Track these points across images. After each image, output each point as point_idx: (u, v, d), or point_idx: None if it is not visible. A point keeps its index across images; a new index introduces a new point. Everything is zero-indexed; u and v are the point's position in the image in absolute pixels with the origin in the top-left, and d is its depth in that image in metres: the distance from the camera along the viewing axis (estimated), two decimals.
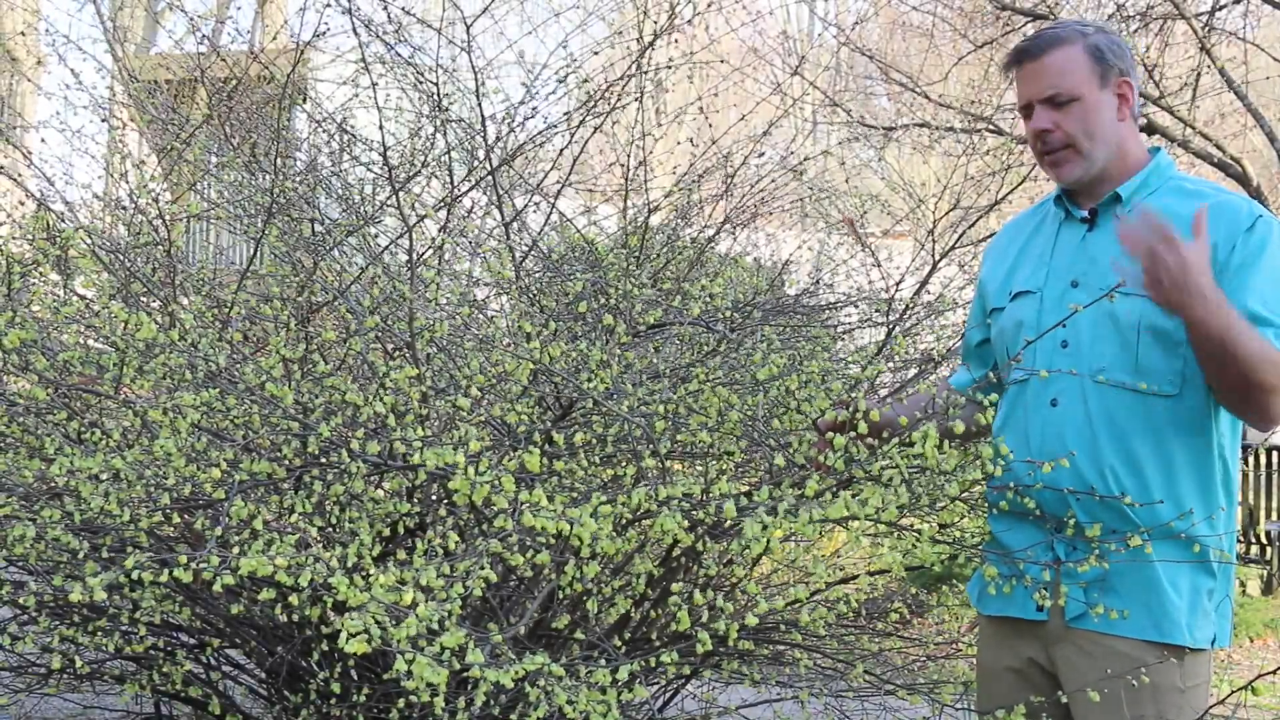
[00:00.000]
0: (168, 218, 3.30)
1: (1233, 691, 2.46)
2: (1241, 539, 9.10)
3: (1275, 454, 9.28)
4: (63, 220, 3.56)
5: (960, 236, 4.55)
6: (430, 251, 3.24)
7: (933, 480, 2.23)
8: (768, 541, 2.06)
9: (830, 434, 2.29)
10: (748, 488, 2.27)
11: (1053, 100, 2.28)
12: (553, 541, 2.23)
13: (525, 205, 3.66)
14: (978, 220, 4.70)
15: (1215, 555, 2.23)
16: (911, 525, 2.48)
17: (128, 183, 3.48)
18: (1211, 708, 2.28)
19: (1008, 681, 2.39)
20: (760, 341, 2.61)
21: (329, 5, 3.14)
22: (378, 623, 1.84)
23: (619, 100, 3.46)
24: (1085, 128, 2.27)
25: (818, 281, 4.60)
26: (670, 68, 3.90)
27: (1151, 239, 2.05)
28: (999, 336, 2.42)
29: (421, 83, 3.43)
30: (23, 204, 3.87)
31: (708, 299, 2.66)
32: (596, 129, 3.57)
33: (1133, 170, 2.31)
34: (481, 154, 3.34)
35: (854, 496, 2.17)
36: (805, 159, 4.69)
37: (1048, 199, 2.46)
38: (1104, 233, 2.31)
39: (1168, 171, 2.33)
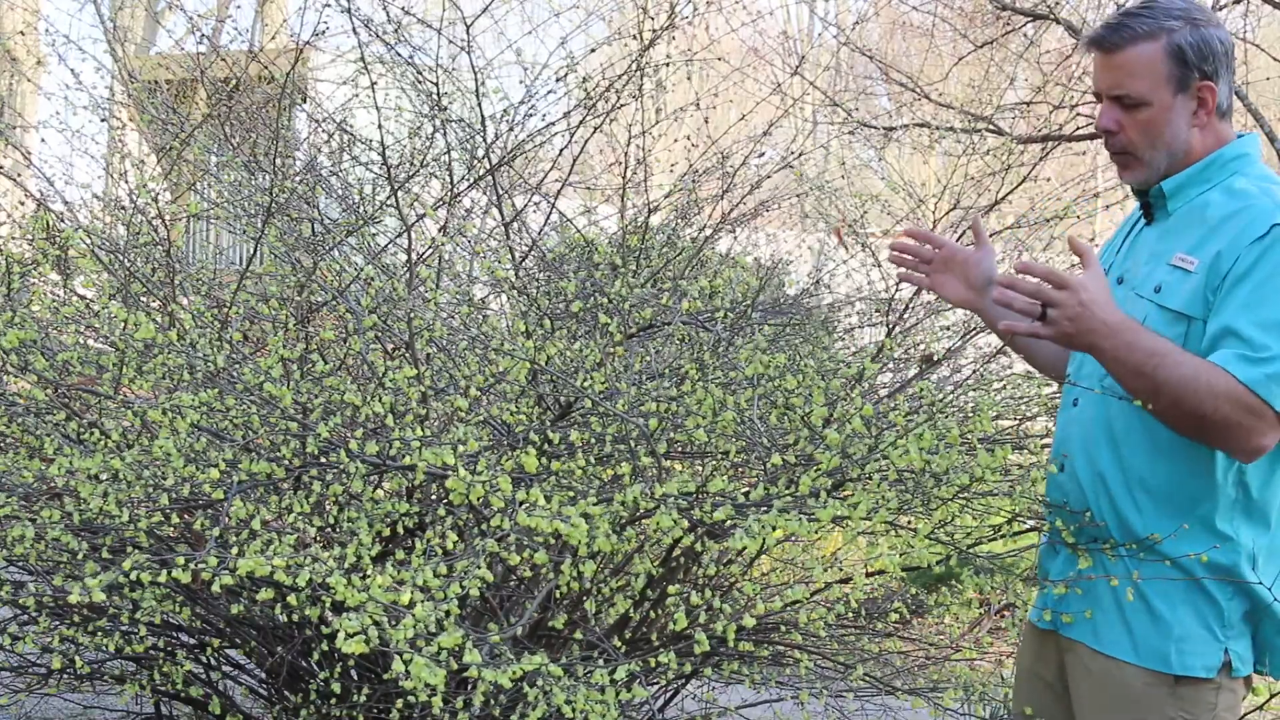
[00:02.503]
0: (167, 218, 3.30)
1: (1258, 705, 2.41)
2: None
3: None
4: (62, 220, 3.56)
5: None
6: (430, 251, 3.25)
7: (923, 483, 2.21)
8: (764, 541, 2.05)
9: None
10: (747, 488, 2.27)
11: (1121, 101, 2.14)
12: (551, 541, 2.23)
13: (525, 205, 3.66)
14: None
15: (1211, 584, 2.10)
16: (909, 523, 2.48)
17: (127, 182, 3.48)
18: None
19: (1037, 689, 2.37)
20: (748, 340, 2.61)
21: (328, 5, 3.14)
22: (375, 623, 1.84)
23: (619, 100, 3.46)
24: (1149, 135, 2.14)
25: (818, 282, 4.60)
26: (668, 64, 3.90)
27: (1039, 283, 1.99)
28: None
29: (421, 82, 3.43)
30: (23, 204, 3.88)
31: (707, 298, 2.66)
32: (596, 129, 3.57)
33: (1190, 164, 2.16)
34: (481, 153, 3.35)
35: (844, 500, 2.16)
36: (801, 154, 4.68)
37: None
38: (1156, 229, 2.22)
39: (1234, 165, 2.16)
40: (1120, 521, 2.15)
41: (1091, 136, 7.38)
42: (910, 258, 2.43)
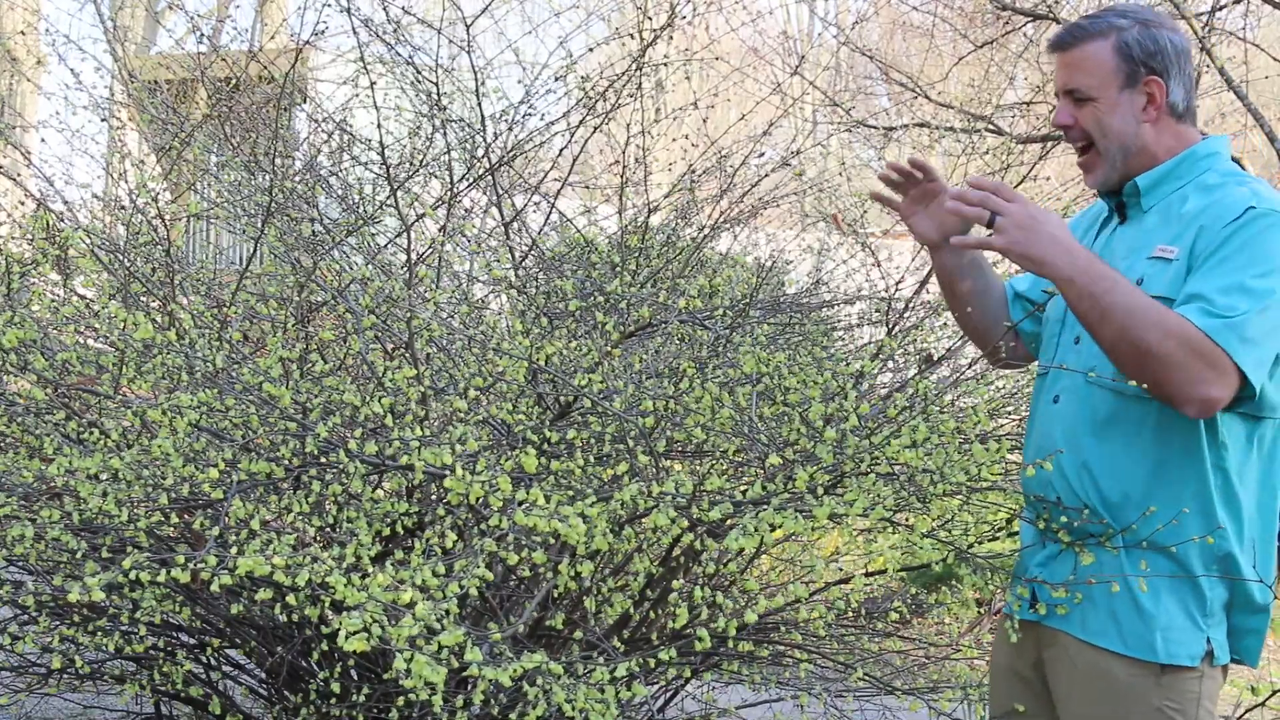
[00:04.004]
0: (167, 217, 3.30)
1: (1254, 704, 2.42)
2: None
3: None
4: (62, 220, 3.56)
5: None
6: (429, 251, 3.25)
7: (918, 481, 2.21)
8: (762, 540, 2.06)
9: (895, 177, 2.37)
10: (744, 486, 2.27)
11: (1072, 95, 2.25)
12: (551, 541, 2.23)
13: (525, 205, 3.66)
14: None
15: (1200, 571, 2.13)
16: (905, 520, 2.47)
17: (127, 182, 3.48)
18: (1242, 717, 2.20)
19: (1013, 683, 2.37)
20: (747, 336, 2.61)
21: (328, 4, 3.15)
22: (376, 622, 1.84)
23: (618, 100, 3.46)
24: (1100, 128, 2.24)
25: (818, 281, 4.60)
26: (667, 63, 3.90)
27: (986, 195, 2.07)
28: (1044, 326, 2.42)
29: (421, 82, 3.44)
30: (23, 204, 3.88)
31: (707, 297, 2.66)
32: (596, 129, 3.58)
33: (1160, 161, 2.24)
34: (480, 153, 3.35)
35: (841, 496, 2.16)
36: (799, 152, 4.69)
37: None
38: (1129, 227, 2.28)
39: (1206, 163, 2.24)
40: (1109, 512, 2.17)
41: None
42: (897, 179, 2.46)
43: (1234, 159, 2.32)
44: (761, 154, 4.39)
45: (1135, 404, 2.14)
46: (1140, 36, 2.22)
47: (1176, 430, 2.13)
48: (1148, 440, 2.14)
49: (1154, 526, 2.12)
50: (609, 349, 2.53)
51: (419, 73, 3.40)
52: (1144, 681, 2.13)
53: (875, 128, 8.83)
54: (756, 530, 2.01)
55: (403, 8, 3.38)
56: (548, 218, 3.71)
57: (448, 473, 2.10)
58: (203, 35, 4.67)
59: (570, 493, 2.29)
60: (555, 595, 2.70)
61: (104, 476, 2.30)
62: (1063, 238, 2.06)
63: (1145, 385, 2.07)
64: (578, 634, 2.55)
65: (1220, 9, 7.67)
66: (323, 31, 3.25)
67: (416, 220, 3.19)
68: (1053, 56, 2.31)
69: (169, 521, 2.41)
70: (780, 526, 2.05)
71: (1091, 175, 2.29)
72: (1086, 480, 2.18)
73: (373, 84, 3.08)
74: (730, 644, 2.68)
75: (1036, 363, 2.43)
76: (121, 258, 3.08)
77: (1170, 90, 2.23)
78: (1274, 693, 3.65)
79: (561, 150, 3.72)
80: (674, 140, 4.36)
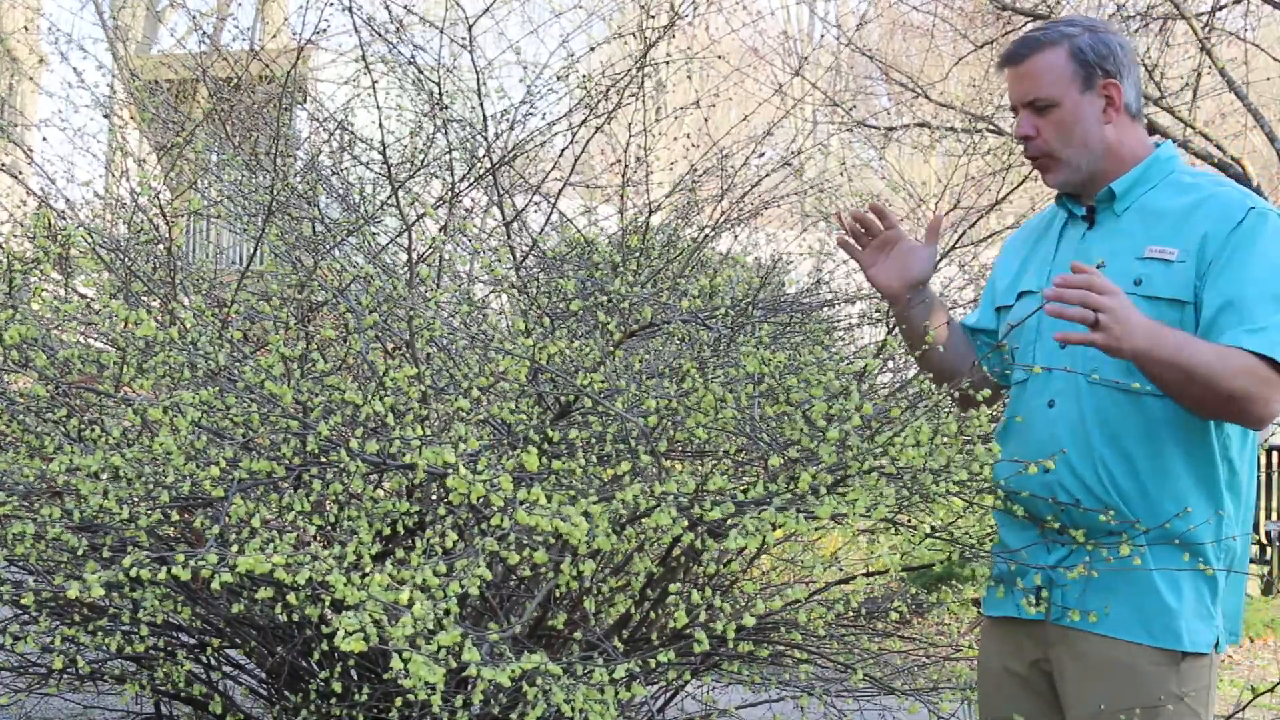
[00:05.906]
0: (168, 216, 3.30)
1: (1250, 700, 2.44)
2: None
3: (1275, 454, 9.29)
4: (64, 218, 3.56)
5: (960, 236, 4.56)
6: (430, 250, 3.25)
7: (920, 480, 2.22)
8: (764, 539, 2.06)
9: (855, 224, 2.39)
10: (746, 486, 2.27)
11: (1033, 105, 2.29)
12: (551, 541, 2.23)
13: (525, 205, 3.67)
14: (978, 220, 4.72)
15: (1214, 560, 2.19)
16: (908, 521, 2.47)
17: (128, 181, 3.49)
18: (1234, 715, 2.25)
19: (1008, 686, 2.37)
20: (749, 337, 2.61)
21: (330, 4, 3.15)
22: (375, 621, 1.84)
23: (620, 100, 3.47)
24: (1063, 134, 2.28)
25: (818, 281, 4.60)
26: (668, 63, 3.91)
27: (1083, 288, 2.06)
28: (1016, 336, 2.42)
29: (422, 82, 3.44)
30: (24, 202, 3.88)
31: (707, 297, 2.66)
32: (598, 129, 3.58)
33: (1129, 165, 2.30)
34: (481, 153, 3.35)
35: (843, 496, 2.16)
36: (799, 152, 4.70)
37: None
38: (1101, 230, 2.31)
39: (1169, 165, 2.31)
40: (1129, 508, 2.19)
41: None
42: (861, 229, 2.46)
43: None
44: (762, 154, 4.40)
45: (1144, 401, 2.18)
46: (1092, 41, 2.29)
47: (1187, 424, 2.18)
48: (1159, 436, 2.19)
49: (1175, 520, 2.17)
50: (610, 349, 2.53)
51: (420, 72, 3.41)
52: (1166, 670, 2.17)
53: (875, 128, 8.85)
54: (758, 530, 2.01)
55: (405, 7, 3.38)
56: (548, 218, 3.71)
57: (449, 472, 2.10)
58: (204, 34, 4.67)
59: (571, 492, 2.29)
60: (555, 595, 2.70)
61: (105, 475, 2.30)
62: (1145, 321, 2.09)
63: (1221, 419, 2.17)
64: (578, 634, 2.55)
65: (1220, 9, 7.68)
66: (324, 31, 3.26)
67: (417, 220, 3.19)
68: (1004, 72, 2.36)
69: (170, 520, 2.41)
70: (781, 526, 2.05)
71: (1052, 175, 2.34)
72: (1105, 478, 2.21)
73: (374, 83, 3.08)
74: (730, 644, 2.68)
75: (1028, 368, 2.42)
76: (123, 256, 3.08)
77: (1125, 91, 2.29)
78: (1276, 685, 3.66)
79: (563, 150, 3.73)
80: (675, 140, 4.37)
